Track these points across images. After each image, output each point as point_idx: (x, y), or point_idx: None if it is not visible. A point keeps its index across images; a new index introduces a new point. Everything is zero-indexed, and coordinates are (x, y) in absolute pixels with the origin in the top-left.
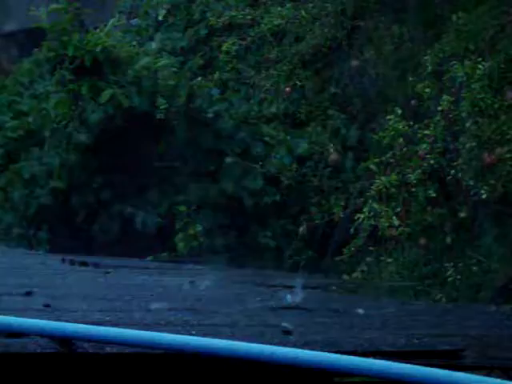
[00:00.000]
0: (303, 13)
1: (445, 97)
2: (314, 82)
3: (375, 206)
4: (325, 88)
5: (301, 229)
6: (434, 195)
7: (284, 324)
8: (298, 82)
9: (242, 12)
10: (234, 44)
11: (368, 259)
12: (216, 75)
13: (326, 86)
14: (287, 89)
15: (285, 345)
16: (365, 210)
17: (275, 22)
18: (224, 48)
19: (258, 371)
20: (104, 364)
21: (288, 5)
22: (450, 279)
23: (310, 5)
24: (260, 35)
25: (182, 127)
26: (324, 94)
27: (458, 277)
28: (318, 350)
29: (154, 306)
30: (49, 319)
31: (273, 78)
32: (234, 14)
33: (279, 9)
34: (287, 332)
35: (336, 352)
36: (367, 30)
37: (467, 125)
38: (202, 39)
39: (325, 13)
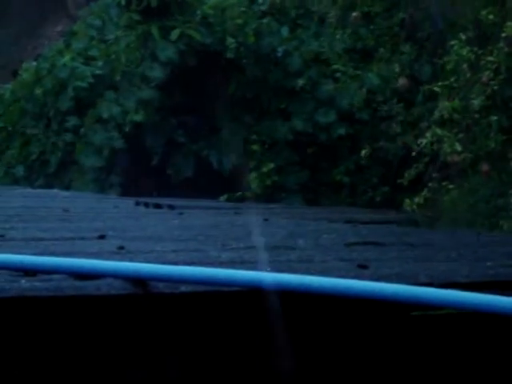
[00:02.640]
0: None
1: (509, 23)
2: (381, 7)
3: (438, 131)
4: (392, 14)
5: (363, 152)
6: (498, 121)
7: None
8: (365, 8)
9: None
10: None
11: (430, 184)
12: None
13: (394, 11)
14: (354, 14)
15: (360, 279)
16: (427, 134)
17: None
18: None
19: (333, 306)
20: (179, 304)
21: None
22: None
23: None
24: None
25: (252, 66)
26: (393, 20)
27: None
28: (393, 283)
29: (229, 244)
30: (122, 261)
31: (340, 8)
32: None
33: None
34: (362, 266)
35: (412, 285)
36: None
37: None
38: None
39: None
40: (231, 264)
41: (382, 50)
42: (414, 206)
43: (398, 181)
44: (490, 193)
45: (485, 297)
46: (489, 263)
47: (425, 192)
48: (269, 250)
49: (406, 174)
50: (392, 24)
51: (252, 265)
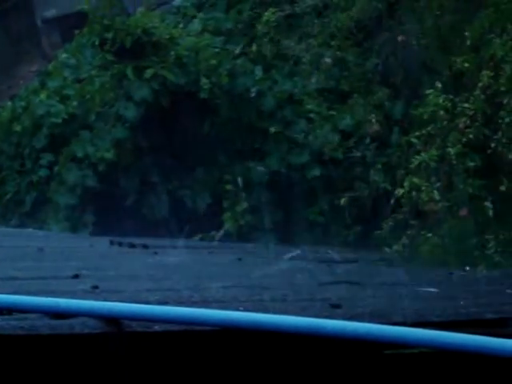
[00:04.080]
0: None
1: (484, 72)
2: (355, 53)
3: (415, 180)
4: (367, 59)
5: (342, 201)
6: (475, 167)
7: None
8: (338, 53)
9: None
10: (274, 13)
11: (409, 232)
12: (254, 47)
13: (368, 57)
14: (327, 59)
15: (333, 318)
16: (405, 184)
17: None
18: (264, 18)
19: (306, 345)
20: (152, 343)
21: None
22: (491, 251)
23: None
24: (301, 7)
25: (226, 106)
26: (366, 66)
27: (499, 249)
28: (366, 322)
29: (202, 284)
30: (96, 300)
31: (314, 49)
32: None
33: None
34: (335, 306)
35: (385, 323)
36: (408, 1)
37: (505, 100)
38: (244, 19)
39: None
40: (204, 303)
41: (355, 95)
42: (394, 254)
43: (377, 232)
44: (465, 234)
45: (457, 336)
46: (461, 302)
47: (403, 240)
48: (242, 289)
49: (384, 225)
50: (365, 70)
51: (225, 304)
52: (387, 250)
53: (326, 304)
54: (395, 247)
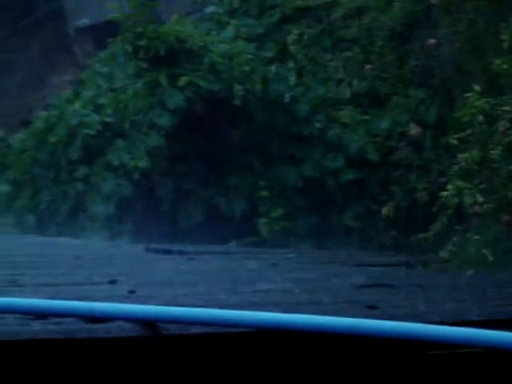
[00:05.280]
0: None
1: None
2: (393, 57)
3: (459, 183)
4: (405, 62)
5: (384, 209)
6: None
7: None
8: (374, 58)
9: None
10: (302, 34)
11: (454, 238)
12: (290, 63)
13: (406, 60)
14: (367, 66)
15: (369, 318)
16: (449, 187)
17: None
18: (290, 39)
19: (343, 346)
20: (189, 346)
21: None
22: None
23: None
24: (336, 17)
25: (259, 112)
26: (404, 68)
27: None
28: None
29: (238, 288)
30: (133, 304)
31: (349, 59)
32: None
33: None
34: (372, 307)
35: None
36: (442, 5)
37: None
38: (276, 24)
39: None
40: (239, 307)
41: (394, 97)
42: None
43: (422, 235)
44: (507, 239)
45: (498, 334)
46: (498, 302)
47: (449, 246)
48: (278, 293)
49: (432, 228)
50: (404, 71)
51: (261, 307)
52: (432, 254)
53: (363, 306)
54: (441, 253)
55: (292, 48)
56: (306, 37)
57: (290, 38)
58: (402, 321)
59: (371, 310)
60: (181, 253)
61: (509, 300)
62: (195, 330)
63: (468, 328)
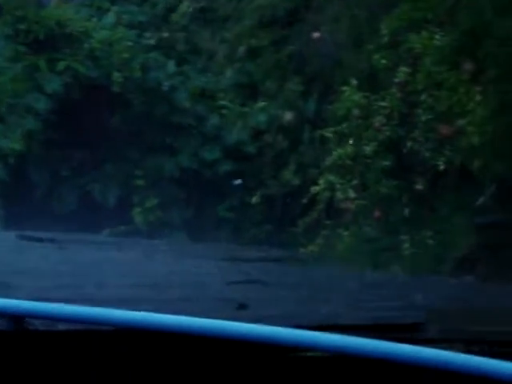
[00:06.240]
0: None
1: (401, 68)
2: (269, 42)
3: (331, 177)
4: (281, 49)
5: (254, 199)
6: (390, 166)
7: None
8: (253, 41)
9: None
10: (188, 7)
11: (324, 232)
12: (167, 41)
13: (282, 47)
14: (241, 48)
15: (239, 319)
16: (321, 181)
17: None
18: (179, 11)
19: (209, 347)
20: (56, 341)
21: None
22: (406, 252)
23: None
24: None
25: (138, 100)
26: (280, 55)
27: (414, 250)
28: (273, 325)
29: (108, 281)
30: (0, 297)
31: (228, 42)
32: None
33: None
34: (242, 306)
35: (293, 326)
36: None
37: (423, 97)
38: (157, 12)
39: None
40: (109, 302)
41: (268, 83)
42: (309, 253)
43: (293, 229)
44: (379, 235)
45: (364, 341)
46: (371, 305)
47: (319, 240)
48: (149, 287)
49: (301, 222)
50: (280, 57)
51: (129, 303)
52: (302, 249)
53: (234, 304)
54: (310, 247)
55: (175, 21)
56: (187, 15)
57: (179, 10)
58: (272, 322)
59: (241, 311)
60: (52, 241)
61: (384, 303)
62: (61, 326)
63: (336, 335)
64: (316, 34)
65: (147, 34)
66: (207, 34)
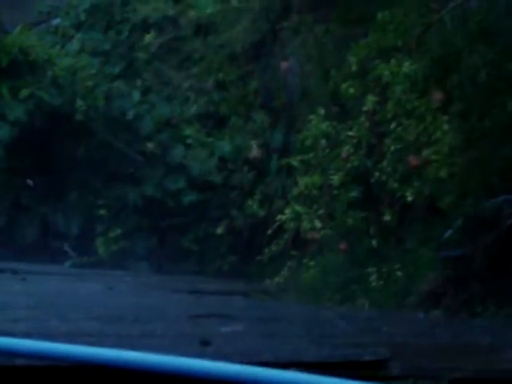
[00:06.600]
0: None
1: (369, 97)
2: (236, 76)
3: (297, 207)
4: (248, 83)
5: (219, 229)
6: (357, 197)
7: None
8: (220, 75)
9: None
10: (154, 38)
11: (290, 263)
12: (137, 81)
13: (249, 81)
14: (209, 83)
15: (201, 356)
16: (287, 211)
17: (197, 15)
18: (145, 40)
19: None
20: (14, 377)
21: None
22: (373, 284)
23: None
24: (185, 31)
25: (101, 129)
26: (246, 89)
27: (381, 282)
28: (236, 362)
29: (70, 314)
30: None
31: (195, 76)
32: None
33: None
34: (206, 342)
35: (256, 363)
36: (291, 26)
37: (392, 126)
38: (122, 40)
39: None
40: (70, 336)
41: (234, 118)
42: (274, 285)
43: (258, 260)
44: (345, 268)
45: (328, 379)
46: (335, 341)
47: (285, 271)
48: (111, 321)
49: (267, 251)
50: (246, 92)
51: (92, 338)
52: (268, 281)
53: (197, 340)
54: (276, 279)
55: (141, 53)
56: (154, 47)
57: (146, 39)
58: (235, 359)
59: (204, 347)
60: (14, 272)
61: (348, 339)
62: (19, 361)
63: (302, 374)
64: (284, 64)
65: (112, 62)
66: (174, 63)
